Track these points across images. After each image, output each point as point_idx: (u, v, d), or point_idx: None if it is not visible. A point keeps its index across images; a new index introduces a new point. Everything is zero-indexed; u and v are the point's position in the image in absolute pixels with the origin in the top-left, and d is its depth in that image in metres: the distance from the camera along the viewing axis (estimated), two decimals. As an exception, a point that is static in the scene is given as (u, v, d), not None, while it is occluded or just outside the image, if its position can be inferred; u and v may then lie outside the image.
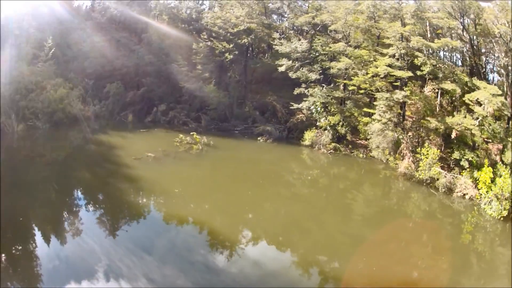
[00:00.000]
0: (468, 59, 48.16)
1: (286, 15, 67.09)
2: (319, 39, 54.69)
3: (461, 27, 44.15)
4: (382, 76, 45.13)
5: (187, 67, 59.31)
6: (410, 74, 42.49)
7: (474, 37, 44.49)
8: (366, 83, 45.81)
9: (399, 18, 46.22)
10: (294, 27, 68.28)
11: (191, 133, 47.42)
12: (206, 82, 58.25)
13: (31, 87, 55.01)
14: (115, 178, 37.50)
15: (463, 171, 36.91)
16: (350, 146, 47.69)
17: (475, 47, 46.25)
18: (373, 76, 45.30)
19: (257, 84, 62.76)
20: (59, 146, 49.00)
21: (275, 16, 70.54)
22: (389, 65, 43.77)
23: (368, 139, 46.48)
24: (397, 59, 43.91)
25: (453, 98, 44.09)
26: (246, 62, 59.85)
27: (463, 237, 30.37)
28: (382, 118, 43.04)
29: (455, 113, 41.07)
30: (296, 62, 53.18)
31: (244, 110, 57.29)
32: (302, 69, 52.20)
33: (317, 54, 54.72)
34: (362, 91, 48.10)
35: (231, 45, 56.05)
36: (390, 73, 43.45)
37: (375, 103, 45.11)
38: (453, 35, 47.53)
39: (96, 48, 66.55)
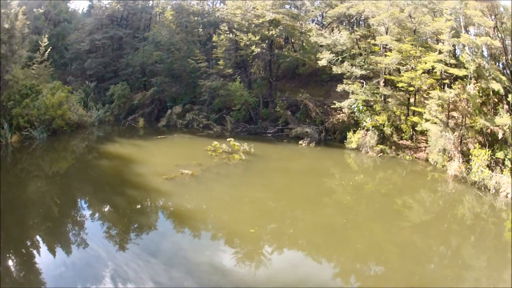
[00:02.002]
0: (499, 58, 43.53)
1: (314, 5, 60.31)
2: (357, 31, 49.42)
3: (493, 25, 39.66)
4: (430, 73, 41.84)
5: (206, 63, 52.69)
6: (465, 72, 38.24)
7: (507, 36, 40.27)
8: (416, 80, 41.11)
9: (433, 12, 43.42)
10: (317, 19, 63.91)
11: (228, 139, 39.48)
12: (227, 79, 51.47)
13: (25, 92, 48.82)
14: (148, 214, 26.35)
15: (504, 170, 33.65)
16: (393, 147, 42.26)
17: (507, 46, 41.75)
18: (422, 73, 41.22)
19: (280, 81, 56.57)
20: (60, 158, 43.03)
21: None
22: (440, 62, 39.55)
23: (412, 139, 43.03)
24: (447, 56, 39.76)
25: (496, 98, 40.53)
26: (271, 56, 52.64)
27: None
28: (434, 118, 38.89)
29: (502, 113, 37.75)
30: (339, 56, 46.90)
31: (272, 110, 50.79)
32: (344, 63, 45.66)
33: (356, 48, 48.76)
34: (403, 88, 43.22)
35: (257, 37, 49.16)
36: (446, 71, 39.40)
37: (426, 101, 40.60)
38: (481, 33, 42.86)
39: (96, 47, 63.21)
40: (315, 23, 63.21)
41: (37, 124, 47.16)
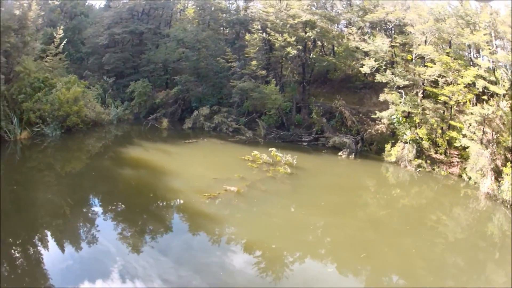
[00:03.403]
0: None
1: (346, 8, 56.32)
2: (395, 39, 45.60)
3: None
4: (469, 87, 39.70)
5: (238, 62, 48.92)
6: (504, 90, 37.22)
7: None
8: (457, 94, 39.25)
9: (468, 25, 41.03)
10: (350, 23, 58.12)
11: (270, 149, 35.38)
12: (258, 80, 48.01)
13: (38, 85, 45.60)
14: (205, 252, 21.14)
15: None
16: (429, 161, 39.51)
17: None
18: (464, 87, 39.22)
19: (310, 86, 52.43)
20: (74, 158, 39.70)
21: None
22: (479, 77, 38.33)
23: (446, 154, 40.70)
24: (486, 72, 38.48)
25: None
26: (305, 59, 48.77)
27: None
28: (472, 135, 37.16)
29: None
30: (381, 64, 43.07)
31: (305, 116, 46.99)
32: (386, 71, 42.19)
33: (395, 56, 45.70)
34: (440, 101, 40.95)
35: (293, 38, 45.39)
36: (486, 87, 37.65)
37: (465, 117, 38.68)
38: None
39: (115, 42, 60.27)
40: (346, 27, 59.05)
41: (50, 120, 44.05)
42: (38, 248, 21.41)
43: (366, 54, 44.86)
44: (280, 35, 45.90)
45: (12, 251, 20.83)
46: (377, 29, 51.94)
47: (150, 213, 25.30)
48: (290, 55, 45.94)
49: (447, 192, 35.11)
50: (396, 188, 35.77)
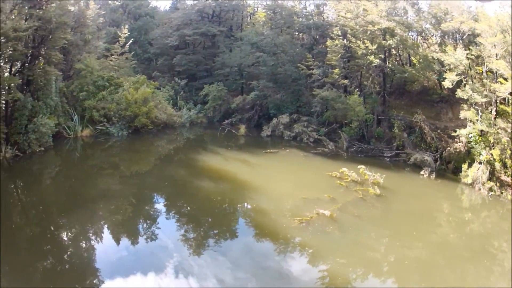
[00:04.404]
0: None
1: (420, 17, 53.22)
2: (470, 51, 40.76)
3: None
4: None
5: (319, 69, 46.37)
6: None
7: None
8: None
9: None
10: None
11: (359, 167, 31.94)
12: (340, 90, 45.81)
13: (102, 84, 45.32)
14: None
15: None
16: (498, 184, 35.37)
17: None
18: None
19: (389, 97, 49.09)
20: (141, 160, 38.28)
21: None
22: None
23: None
24: None
25: None
26: (385, 69, 45.45)
27: None
28: None
29: None
30: (462, 77, 39.07)
31: (386, 130, 43.50)
32: (466, 86, 38.20)
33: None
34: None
35: (375, 46, 42.48)
36: None
37: None
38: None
39: (185, 43, 59.98)
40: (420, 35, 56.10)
41: (116, 119, 43.31)
42: (91, 238, 21.87)
43: (442, 65, 42.06)
44: (362, 42, 43.36)
45: (64, 239, 21.58)
46: (447, 38, 48.61)
47: (239, 241, 22.40)
48: (373, 64, 43.08)
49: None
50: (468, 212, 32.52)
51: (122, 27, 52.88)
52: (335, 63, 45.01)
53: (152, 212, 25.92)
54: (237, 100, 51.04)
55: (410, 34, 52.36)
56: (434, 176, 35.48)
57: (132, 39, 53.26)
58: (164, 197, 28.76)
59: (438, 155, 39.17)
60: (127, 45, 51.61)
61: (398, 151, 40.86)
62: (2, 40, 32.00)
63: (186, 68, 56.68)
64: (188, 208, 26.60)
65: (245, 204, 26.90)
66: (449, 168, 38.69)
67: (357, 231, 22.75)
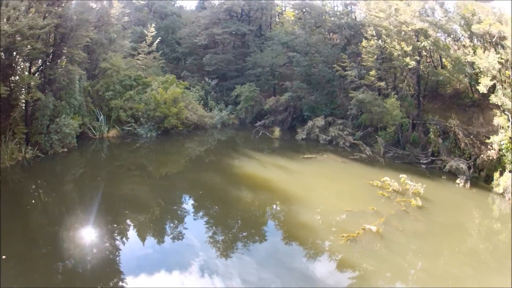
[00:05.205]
0: None
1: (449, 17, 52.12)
2: (500, 54, 39.60)
3: None
4: None
5: (355, 70, 45.16)
6: None
7: None
8: None
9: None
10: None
11: (400, 176, 30.57)
12: (375, 92, 44.41)
13: (129, 83, 45.00)
14: None
15: None
16: None
17: None
18: None
19: (423, 100, 47.80)
20: (171, 161, 37.80)
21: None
22: None
23: None
24: None
25: None
26: (420, 71, 44.41)
27: None
28: None
29: None
30: (496, 82, 37.91)
31: (421, 135, 42.22)
32: (499, 92, 37.10)
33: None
34: None
35: (410, 48, 41.46)
36: None
37: None
38: None
39: (215, 43, 59.74)
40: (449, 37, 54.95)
41: (144, 120, 42.84)
42: (116, 236, 21.81)
43: (473, 68, 40.64)
44: (397, 43, 42.53)
45: (86, 236, 21.54)
46: (476, 41, 47.56)
47: (282, 263, 20.17)
48: (409, 67, 42.32)
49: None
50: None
51: (148, 26, 52.59)
52: (371, 64, 44.00)
53: (180, 213, 25.64)
54: (270, 101, 50.42)
55: (439, 35, 51.69)
56: (468, 184, 34.33)
57: (160, 38, 52.95)
58: (195, 201, 28.05)
59: (472, 162, 38.05)
60: (155, 44, 51.27)
61: (434, 158, 39.82)
62: (18, 38, 31.55)
63: (217, 67, 56.12)
64: (222, 217, 25.44)
65: (287, 217, 25.38)
66: (481, 176, 37.38)
67: (404, 249, 21.68)
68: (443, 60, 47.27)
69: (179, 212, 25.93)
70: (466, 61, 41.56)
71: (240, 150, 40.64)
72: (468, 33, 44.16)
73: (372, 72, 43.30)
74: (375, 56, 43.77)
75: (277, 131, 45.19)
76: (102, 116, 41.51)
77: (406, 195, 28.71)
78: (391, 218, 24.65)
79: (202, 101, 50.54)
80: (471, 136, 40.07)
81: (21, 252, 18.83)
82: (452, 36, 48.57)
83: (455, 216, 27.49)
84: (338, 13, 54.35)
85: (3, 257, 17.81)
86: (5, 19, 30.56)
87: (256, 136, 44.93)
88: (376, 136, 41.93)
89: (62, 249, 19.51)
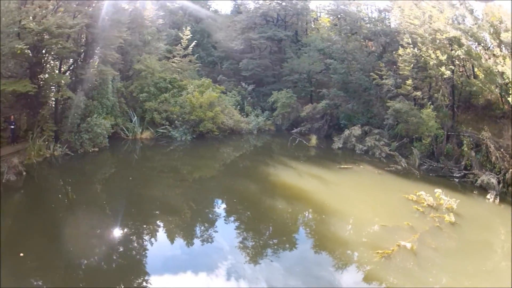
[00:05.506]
0: None
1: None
2: None
3: None
4: None
5: (392, 79, 44.70)
6: None
7: None
8: None
9: None
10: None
11: (435, 191, 29.84)
12: (411, 102, 43.85)
13: (164, 85, 45.41)
14: None
15: None
16: None
17: None
18: None
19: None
20: (205, 165, 37.77)
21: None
22: None
23: None
24: None
25: None
26: (454, 81, 43.46)
27: None
28: None
29: None
30: None
31: (454, 147, 41.36)
32: None
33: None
34: None
35: (444, 57, 40.66)
36: None
37: None
38: None
39: (251, 47, 59.62)
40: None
41: (179, 123, 43.04)
42: (144, 236, 22.23)
43: (503, 78, 39.86)
44: (432, 51, 41.77)
45: (113, 235, 22.26)
46: (504, 50, 46.44)
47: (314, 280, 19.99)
48: (445, 76, 41.43)
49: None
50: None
51: (183, 29, 52.81)
52: (408, 73, 43.46)
53: (211, 217, 25.88)
54: (307, 108, 49.90)
55: (470, 43, 50.93)
56: (498, 200, 33.27)
57: (195, 41, 53.09)
58: (227, 206, 28.12)
59: (502, 177, 36.75)
60: (190, 47, 51.37)
61: (466, 171, 38.69)
62: (46, 37, 32.03)
63: (253, 73, 56.25)
64: (254, 224, 25.52)
65: (320, 228, 25.08)
66: (509, 191, 36.07)
67: (436, 268, 21.40)
68: (475, 69, 46.28)
69: (210, 216, 26.16)
70: (497, 71, 41.01)
71: (276, 157, 40.49)
72: (497, 41, 43.84)
73: (409, 81, 42.85)
74: (411, 65, 43.20)
75: (314, 139, 44.78)
76: (135, 117, 42.09)
77: (440, 210, 28.38)
78: (425, 234, 24.43)
79: (239, 106, 50.62)
80: (502, 149, 39.53)
81: (42, 249, 19.29)
82: (482, 44, 48.23)
83: (484, 234, 27.00)
84: (373, 19, 54.02)
85: (21, 254, 18.16)
86: (31, 17, 31.15)
87: (293, 144, 44.58)
88: (412, 148, 41.32)
89: (87, 247, 19.95)
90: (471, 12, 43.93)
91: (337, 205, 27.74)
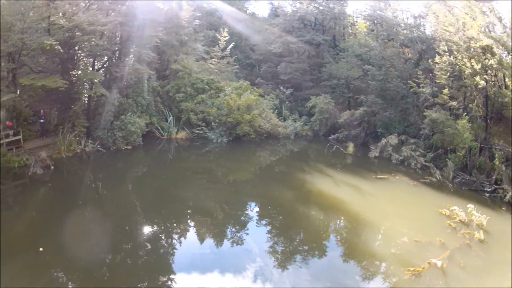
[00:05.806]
0: None
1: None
2: None
3: None
4: None
5: (429, 87, 43.99)
6: None
7: None
8: None
9: None
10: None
11: (468, 206, 29.45)
12: (447, 112, 43.09)
13: (201, 86, 45.62)
14: None
15: None
16: None
17: None
18: None
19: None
20: (240, 168, 38.02)
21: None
22: None
23: None
24: None
25: None
26: (487, 91, 42.17)
27: None
28: None
29: None
30: None
31: (486, 160, 40.19)
32: None
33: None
34: None
35: (479, 66, 39.82)
36: None
37: None
38: None
39: (289, 51, 58.82)
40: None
41: (216, 125, 43.28)
42: (174, 233, 23.24)
43: None
44: (467, 60, 40.97)
45: (143, 233, 23.09)
46: None
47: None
48: (479, 86, 40.47)
49: None
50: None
51: (221, 30, 53.21)
52: (444, 82, 42.71)
53: (243, 220, 26.20)
54: (345, 114, 49.20)
55: (500, 52, 50.09)
56: None
57: (233, 43, 53.46)
58: (260, 210, 28.43)
59: None
60: (228, 49, 51.72)
61: (496, 186, 37.39)
62: (77, 34, 32.86)
63: (291, 76, 56.01)
64: (286, 230, 25.70)
65: (352, 239, 25.06)
66: None
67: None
68: (506, 79, 45.20)
69: (242, 218, 26.58)
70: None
71: (312, 164, 40.36)
72: (524, 50, 43.21)
73: (445, 91, 42.21)
74: (448, 74, 42.44)
75: (351, 147, 44.29)
76: (171, 117, 42.85)
77: (470, 226, 28.14)
78: (455, 251, 24.35)
79: (276, 110, 50.64)
80: (527, 164, 38.81)
81: (66, 244, 19.81)
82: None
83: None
84: (409, 25, 53.38)
85: (40, 249, 18.91)
86: (60, 14, 31.89)
87: (330, 151, 44.16)
88: (447, 160, 40.54)
89: (113, 244, 20.79)
90: (500, 19, 43.22)
91: (371, 216, 27.70)
